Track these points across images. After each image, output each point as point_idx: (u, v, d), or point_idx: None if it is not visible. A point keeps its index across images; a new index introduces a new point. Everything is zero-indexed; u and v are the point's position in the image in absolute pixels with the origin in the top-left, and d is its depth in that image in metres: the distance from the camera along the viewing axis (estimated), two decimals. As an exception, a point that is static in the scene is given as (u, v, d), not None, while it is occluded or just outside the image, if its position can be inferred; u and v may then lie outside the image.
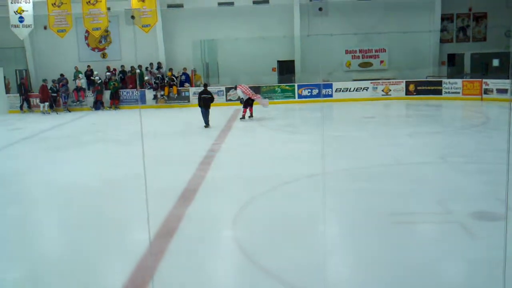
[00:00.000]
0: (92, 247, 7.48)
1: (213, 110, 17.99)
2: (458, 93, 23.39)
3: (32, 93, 25.16)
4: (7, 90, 25.78)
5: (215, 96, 19.81)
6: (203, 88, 18.42)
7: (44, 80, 24.57)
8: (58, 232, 8.56)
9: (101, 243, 7.61)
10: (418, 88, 24.18)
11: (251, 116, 19.07)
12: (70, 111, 24.43)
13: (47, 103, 24.21)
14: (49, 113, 24.09)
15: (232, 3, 25.61)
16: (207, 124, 17.64)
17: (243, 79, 24.59)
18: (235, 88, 19.60)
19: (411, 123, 18.56)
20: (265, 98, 19.37)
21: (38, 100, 24.52)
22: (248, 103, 18.92)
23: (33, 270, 6.87)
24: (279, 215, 8.44)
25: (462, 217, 7.92)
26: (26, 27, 22.95)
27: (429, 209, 8.49)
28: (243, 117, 18.96)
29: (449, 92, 23.62)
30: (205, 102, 17.60)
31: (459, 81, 23.64)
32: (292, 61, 26.15)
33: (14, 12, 22.68)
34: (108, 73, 25.17)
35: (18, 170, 12.55)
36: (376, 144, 14.16)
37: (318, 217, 7.98)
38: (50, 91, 24.39)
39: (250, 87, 19.82)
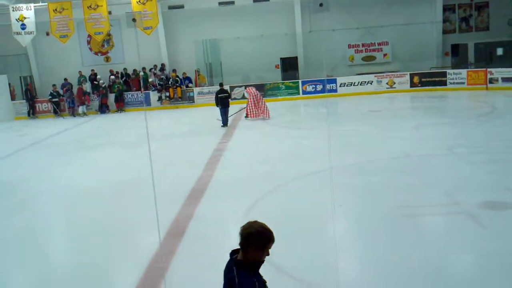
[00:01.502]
0: (103, 249, 7.51)
1: (217, 110, 17.98)
2: (463, 83, 23.28)
3: (37, 99, 25.24)
4: (13, 97, 25.89)
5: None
6: (219, 87, 18.58)
7: (80, 83, 24.95)
8: (68, 235, 8.60)
9: (111, 245, 7.65)
10: (423, 80, 24.09)
11: (247, 116, 19.04)
12: (75, 116, 24.50)
13: (83, 106, 24.60)
14: (86, 115, 24.47)
15: (232, 2, 25.58)
16: (225, 124, 17.76)
17: (246, 78, 24.66)
18: (245, 87, 19.62)
19: (417, 115, 18.50)
20: (261, 110, 19.06)
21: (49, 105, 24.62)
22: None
23: (44, 273, 6.91)
24: (288, 212, 8.45)
25: (471, 208, 7.90)
26: (29, 34, 22.99)
27: (438, 201, 8.47)
28: (247, 115, 18.99)
29: (454, 83, 23.52)
30: (223, 101, 17.74)
31: (463, 72, 23.53)
32: (295, 58, 26.12)
33: (16, 19, 22.73)
34: (112, 77, 25.23)
35: (26, 176, 12.61)
36: (383, 138, 14.13)
37: (326, 212, 7.97)
38: (50, 96, 24.54)
39: (255, 87, 19.83)
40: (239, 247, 3.33)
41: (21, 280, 6.82)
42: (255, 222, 3.38)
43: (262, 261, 3.37)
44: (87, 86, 25.07)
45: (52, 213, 9.79)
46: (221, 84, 18.89)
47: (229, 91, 18.76)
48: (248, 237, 3.27)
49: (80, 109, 24.70)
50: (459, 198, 8.44)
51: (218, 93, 18.09)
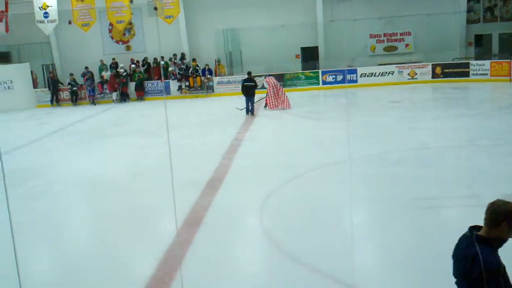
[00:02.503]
0: (120, 237, 7.59)
1: (236, 99, 18.00)
2: (486, 74, 22.90)
3: (60, 87, 25.47)
4: (35, 85, 26.19)
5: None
6: (247, 75, 18.65)
7: (112, 70, 25.25)
8: (87, 222, 8.70)
9: (129, 233, 7.72)
10: (445, 70, 23.74)
11: (266, 106, 19.02)
12: (95, 104, 24.70)
13: (115, 93, 24.85)
14: (120, 102, 24.80)
15: (254, -9, 25.49)
16: (250, 112, 17.88)
17: (266, 67, 24.55)
18: (264, 77, 19.63)
19: (438, 106, 18.29)
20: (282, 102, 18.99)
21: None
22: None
23: (64, 260, 7.01)
24: (306, 202, 8.44)
25: (491, 200, 7.78)
26: (51, 22, 23.17)
27: (458, 193, 8.38)
28: (266, 105, 18.95)
29: (476, 74, 23.15)
30: (247, 90, 17.84)
31: (487, 63, 23.14)
32: (316, 48, 25.94)
33: (39, 8, 22.92)
34: (133, 65, 25.35)
35: (47, 163, 12.77)
36: (403, 129, 14.00)
37: (345, 203, 7.94)
38: (69, 86, 24.76)
39: (274, 77, 19.78)
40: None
41: (38, 264, 6.91)
42: (509, 201, 3.36)
43: (506, 239, 3.34)
44: (107, 75, 25.22)
45: (70, 199, 9.93)
46: (249, 73, 18.79)
47: (256, 80, 18.65)
48: (506, 213, 3.26)
49: (115, 95, 24.88)
50: (479, 191, 8.33)
51: (244, 81, 18.23)
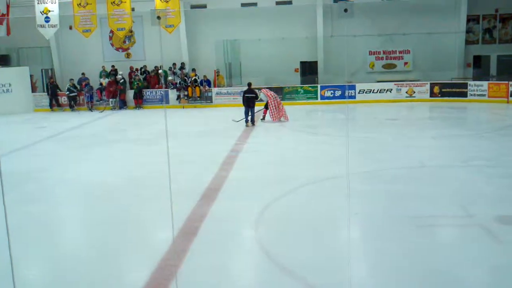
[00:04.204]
0: (116, 244, 7.57)
1: (235, 111, 18.04)
2: (484, 95, 23.05)
3: (58, 92, 25.44)
4: (34, 89, 26.19)
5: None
6: (247, 87, 18.65)
7: (108, 76, 25.22)
8: (81, 229, 8.67)
9: (124, 241, 7.70)
10: (443, 90, 23.87)
11: (263, 118, 19.11)
12: (92, 110, 24.69)
13: (113, 100, 24.84)
14: (118, 109, 24.76)
15: (255, 4, 25.61)
16: (250, 122, 18.00)
17: (265, 79, 24.62)
18: (259, 90, 19.76)
19: (435, 125, 18.36)
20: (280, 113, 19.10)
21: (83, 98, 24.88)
22: (266, 106, 19.08)
23: (56, 266, 6.98)
24: (302, 216, 8.44)
25: (486, 221, 7.82)
26: (52, 27, 23.24)
27: (452, 213, 8.40)
28: (264, 118, 19.03)
29: (474, 95, 23.29)
30: (248, 101, 17.96)
31: (485, 84, 23.28)
32: (315, 62, 26.05)
33: (40, 12, 22.99)
34: (133, 74, 25.39)
35: (42, 168, 12.71)
36: (399, 147, 14.05)
37: (340, 219, 7.95)
38: (67, 92, 24.75)
39: (273, 90, 19.90)
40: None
41: (31, 270, 6.88)
42: None
43: None
44: (105, 82, 25.23)
45: (64, 204, 9.90)
46: (249, 84, 18.75)
47: (257, 92, 18.67)
48: None
49: (112, 102, 24.89)
50: (474, 211, 8.36)
51: (245, 92, 18.28)
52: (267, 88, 20.24)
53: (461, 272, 6.29)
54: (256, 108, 18.54)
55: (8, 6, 23.22)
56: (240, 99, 19.52)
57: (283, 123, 18.59)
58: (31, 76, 26.14)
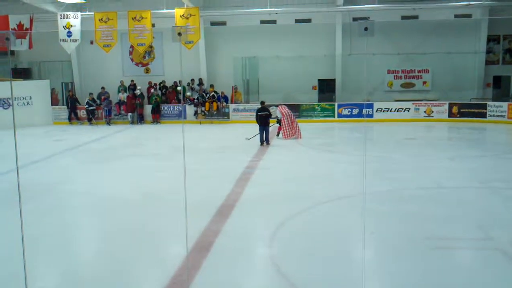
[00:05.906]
0: (129, 259, 7.57)
1: (251, 127, 18.03)
2: (504, 116, 22.81)
3: (77, 106, 25.73)
4: (55, 102, 26.54)
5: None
6: (260, 105, 18.37)
7: (129, 92, 25.48)
8: (96, 242, 8.69)
9: (138, 255, 7.70)
10: (462, 110, 23.70)
11: (278, 134, 19.15)
12: (110, 124, 24.91)
13: (131, 114, 25.17)
14: (135, 124, 25.06)
15: (274, 22, 25.75)
16: (265, 142, 17.68)
17: (283, 97, 24.65)
18: (277, 106, 19.74)
19: (453, 146, 18.20)
20: (294, 132, 19.05)
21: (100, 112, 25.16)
22: (278, 122, 19.11)
23: (70, 278, 6.99)
24: (316, 235, 8.39)
25: (504, 244, 7.70)
26: (74, 42, 23.65)
27: (470, 235, 8.29)
28: (278, 134, 19.09)
29: (494, 116, 23.07)
30: (262, 119, 17.63)
31: (504, 104, 23.06)
32: (333, 80, 26.06)
33: (63, 27, 23.43)
34: (152, 89, 25.64)
35: (59, 180, 12.84)
36: (417, 167, 13.92)
37: (355, 238, 7.88)
38: (86, 105, 25.02)
39: (290, 108, 19.92)
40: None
41: (46, 281, 6.91)
42: None
43: None
44: (124, 96, 25.47)
45: (80, 217, 9.96)
46: (262, 102, 18.56)
47: (270, 110, 18.52)
48: None
49: (130, 117, 25.19)
50: (492, 233, 8.23)
51: (258, 110, 18.01)
52: (284, 105, 20.24)
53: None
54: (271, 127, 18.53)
55: (31, 21, 23.66)
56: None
57: (299, 140, 18.56)
58: (52, 89, 26.52)
